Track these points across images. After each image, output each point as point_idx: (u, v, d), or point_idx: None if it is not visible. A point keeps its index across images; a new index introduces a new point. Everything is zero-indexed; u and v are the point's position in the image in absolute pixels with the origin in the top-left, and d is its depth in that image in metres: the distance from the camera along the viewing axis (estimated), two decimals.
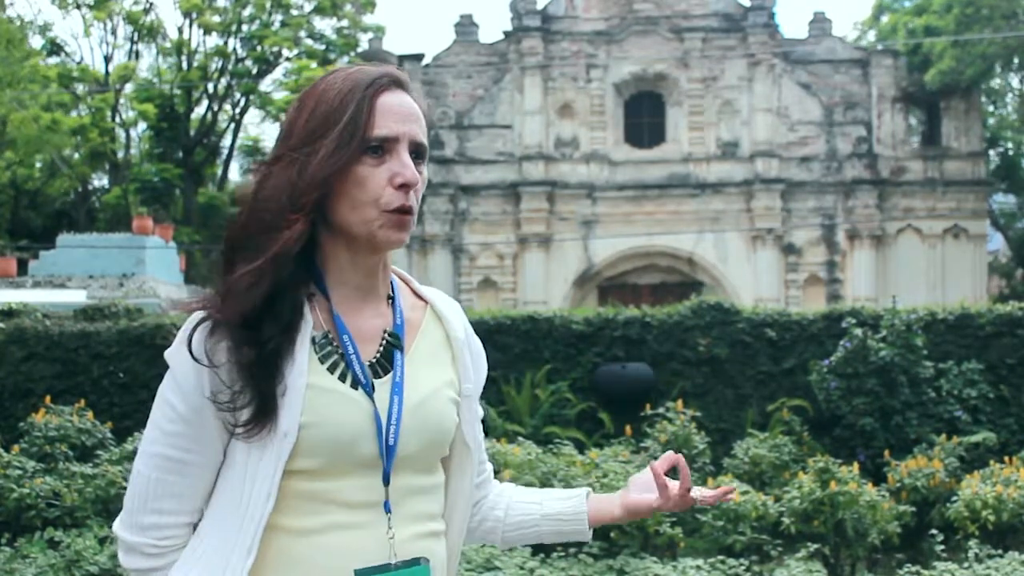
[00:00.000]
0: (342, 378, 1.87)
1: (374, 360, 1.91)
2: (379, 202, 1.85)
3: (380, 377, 1.90)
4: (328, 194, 1.85)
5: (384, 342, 1.93)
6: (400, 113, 1.89)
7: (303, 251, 1.87)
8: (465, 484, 2.02)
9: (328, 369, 1.87)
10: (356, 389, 1.87)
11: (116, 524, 1.94)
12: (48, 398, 12.19)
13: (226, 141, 36.11)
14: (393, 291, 1.99)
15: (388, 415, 1.87)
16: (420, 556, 1.86)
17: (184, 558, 1.87)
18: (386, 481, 1.86)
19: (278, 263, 1.82)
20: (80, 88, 32.17)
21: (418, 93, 1.97)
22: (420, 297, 2.05)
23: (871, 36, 37.15)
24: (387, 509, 1.85)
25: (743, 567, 9.00)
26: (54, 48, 33.81)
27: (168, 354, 1.86)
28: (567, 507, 2.17)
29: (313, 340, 1.88)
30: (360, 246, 1.90)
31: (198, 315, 1.85)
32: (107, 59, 33.57)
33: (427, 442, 1.92)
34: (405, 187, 1.86)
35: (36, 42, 33.01)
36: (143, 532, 1.89)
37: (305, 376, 1.83)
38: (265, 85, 34.93)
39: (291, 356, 1.83)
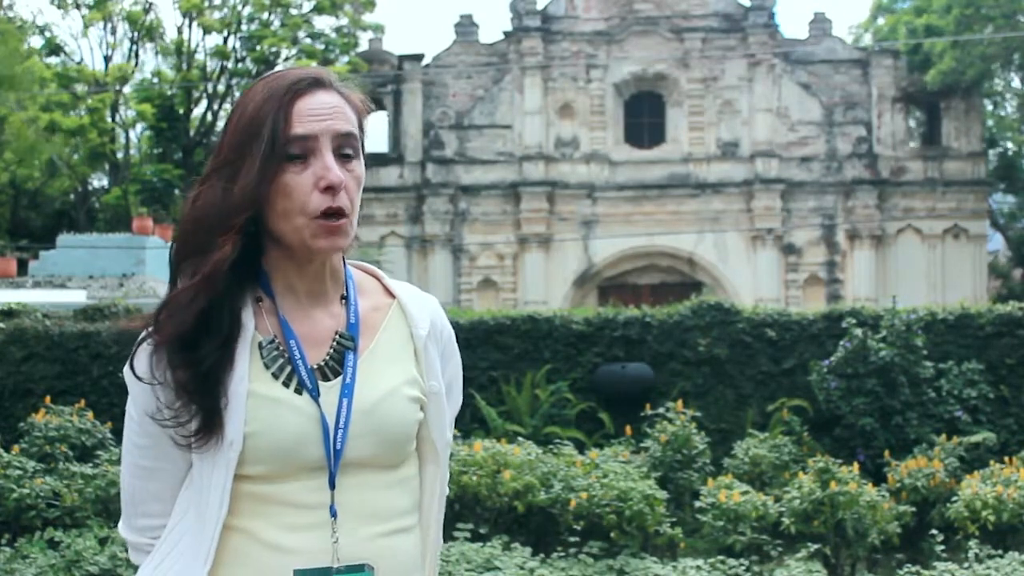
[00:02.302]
0: (287, 383, 1.86)
1: (323, 363, 1.89)
2: (307, 209, 1.83)
3: (329, 380, 1.89)
4: (260, 207, 1.84)
5: (335, 343, 1.91)
6: (318, 113, 1.85)
7: (250, 256, 1.87)
8: (435, 479, 2.00)
9: (274, 374, 1.86)
10: (301, 394, 1.86)
11: (119, 525, 2.02)
12: (48, 398, 12.19)
13: None
14: (348, 290, 1.97)
15: (336, 419, 1.85)
16: (365, 562, 1.85)
17: (162, 559, 1.90)
18: (332, 485, 1.85)
19: (210, 283, 1.82)
20: (79, 88, 32.15)
21: (349, 89, 1.92)
22: (391, 293, 2.02)
23: (867, 39, 37.11)
24: (332, 514, 1.84)
25: (743, 567, 9.00)
26: (53, 48, 33.77)
27: (124, 371, 1.91)
28: None
29: (260, 346, 1.87)
30: (298, 253, 1.88)
31: (142, 335, 1.88)
32: (107, 59, 33.56)
33: (383, 443, 1.89)
34: (331, 189, 1.83)
35: (35, 42, 32.99)
36: (140, 533, 1.96)
37: (246, 384, 1.84)
38: None
39: (231, 366, 1.84)
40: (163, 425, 1.85)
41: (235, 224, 1.82)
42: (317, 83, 1.88)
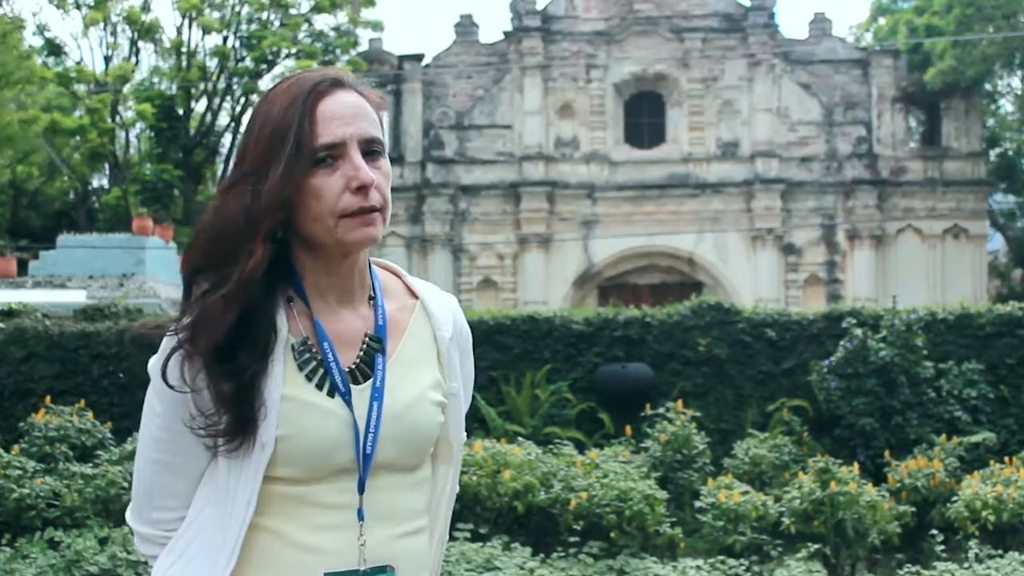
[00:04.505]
0: (320, 385, 1.87)
1: (354, 366, 1.90)
2: (337, 209, 1.83)
3: (360, 383, 1.89)
4: (290, 211, 1.84)
5: (364, 346, 1.92)
6: (343, 116, 1.86)
7: (279, 258, 1.87)
8: (448, 478, 2.02)
9: (307, 376, 1.86)
10: (334, 397, 1.86)
11: (128, 514, 2.00)
12: (48, 398, 12.18)
13: (226, 141, 36.11)
14: (375, 290, 1.97)
15: (367, 423, 1.86)
16: (387, 563, 1.87)
17: (178, 556, 1.90)
18: (361, 489, 1.86)
19: (243, 290, 1.81)
20: (79, 88, 32.14)
21: (366, 87, 1.95)
22: (413, 293, 2.03)
23: (867, 39, 37.09)
24: (360, 517, 1.86)
25: (743, 567, 9.00)
26: (53, 48, 33.76)
27: (150, 367, 1.88)
28: None
29: (292, 347, 1.87)
30: (330, 251, 1.88)
31: (172, 343, 1.85)
32: (107, 59, 33.54)
33: (409, 447, 1.91)
34: (363, 189, 1.84)
35: (35, 42, 33.00)
36: (152, 525, 1.95)
37: (280, 387, 1.84)
38: (265, 84, 34.91)
39: (266, 371, 1.84)
40: (196, 433, 1.84)
41: (264, 229, 1.82)
42: (337, 83, 1.90)
